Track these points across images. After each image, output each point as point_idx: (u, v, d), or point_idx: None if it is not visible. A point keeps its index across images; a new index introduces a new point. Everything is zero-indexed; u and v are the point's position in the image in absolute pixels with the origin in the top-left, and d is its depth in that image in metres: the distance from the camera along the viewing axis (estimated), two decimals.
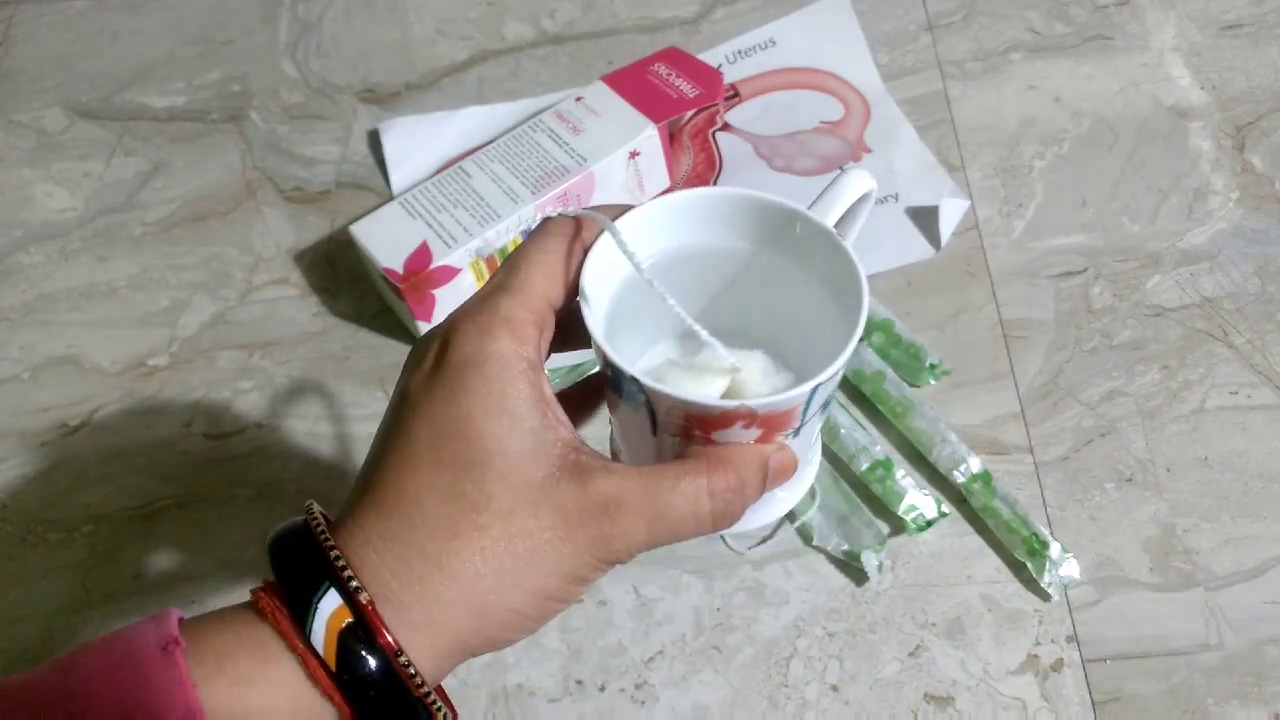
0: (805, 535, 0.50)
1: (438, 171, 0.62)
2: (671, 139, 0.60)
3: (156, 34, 0.73)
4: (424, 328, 0.56)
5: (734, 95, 0.65)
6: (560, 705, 0.47)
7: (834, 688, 0.47)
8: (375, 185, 0.64)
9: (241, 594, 0.28)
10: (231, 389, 0.57)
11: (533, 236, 0.29)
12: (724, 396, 0.29)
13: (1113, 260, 0.57)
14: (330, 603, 0.25)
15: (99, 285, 0.62)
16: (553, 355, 0.31)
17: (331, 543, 0.27)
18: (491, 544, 0.26)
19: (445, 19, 0.71)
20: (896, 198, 0.59)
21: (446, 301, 0.55)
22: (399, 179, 0.64)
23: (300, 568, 0.26)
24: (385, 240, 0.55)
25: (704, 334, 0.29)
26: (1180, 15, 0.65)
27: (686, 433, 0.29)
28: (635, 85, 0.60)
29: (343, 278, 0.61)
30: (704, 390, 0.29)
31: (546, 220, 0.30)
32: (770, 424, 0.29)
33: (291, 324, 0.59)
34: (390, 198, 0.63)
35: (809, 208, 0.31)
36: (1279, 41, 0.64)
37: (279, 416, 0.56)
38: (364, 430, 0.55)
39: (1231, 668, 0.45)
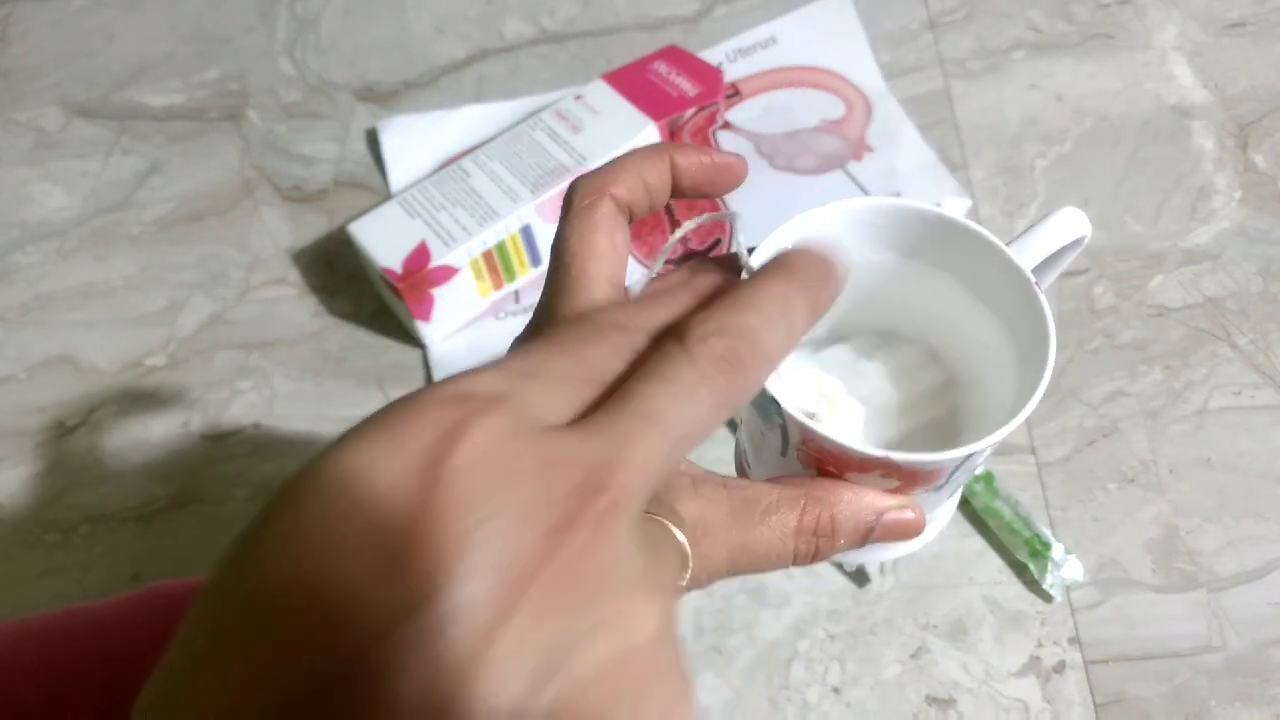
0: None
1: (436, 170, 0.61)
2: (672, 137, 0.59)
3: (154, 32, 0.72)
4: (422, 327, 0.55)
5: (734, 94, 0.65)
6: None
7: (835, 690, 0.46)
8: (374, 184, 0.64)
9: None
10: (229, 389, 0.57)
11: (568, 224, 0.26)
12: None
13: (1115, 260, 0.57)
14: None
15: (96, 285, 0.62)
16: None
17: None
18: None
19: (444, 17, 0.71)
20: (898, 197, 0.59)
21: (445, 301, 0.55)
22: (397, 178, 0.64)
23: None
24: (384, 239, 0.55)
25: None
26: (1183, 14, 0.65)
27: (819, 466, 0.27)
28: (635, 83, 0.60)
29: (341, 277, 0.60)
30: (797, 400, 0.27)
31: (574, 204, 0.26)
32: (912, 479, 0.27)
33: (289, 324, 0.59)
34: (389, 197, 0.62)
35: (1010, 243, 0.29)
36: None
37: (276, 417, 0.56)
38: None
39: (1234, 669, 0.45)
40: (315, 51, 0.70)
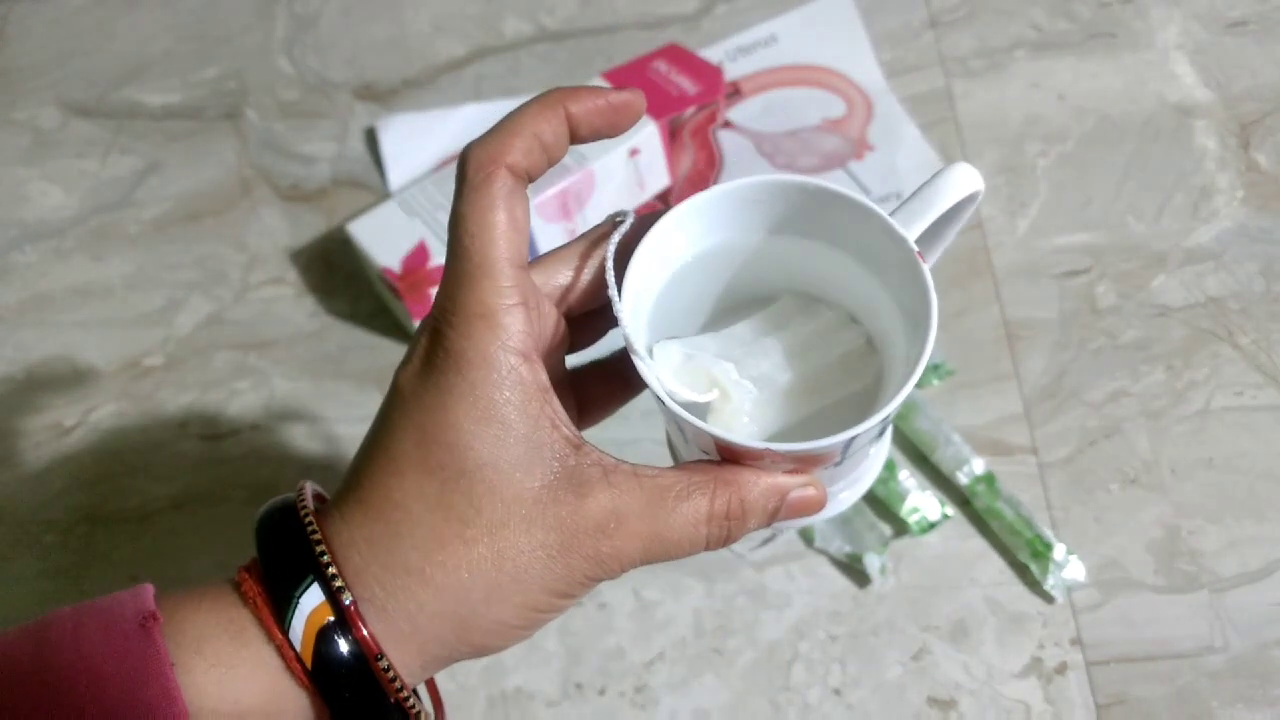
0: (807, 537, 0.49)
1: (435, 169, 0.61)
2: (672, 136, 0.59)
3: (152, 31, 0.72)
4: None
5: (735, 92, 0.65)
6: (559, 709, 0.47)
7: (836, 691, 0.46)
8: (372, 183, 0.64)
9: None
10: (227, 389, 0.57)
11: (464, 202, 0.26)
12: (711, 412, 0.28)
13: (1117, 259, 0.56)
14: (312, 599, 0.25)
15: (94, 284, 0.61)
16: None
17: (319, 535, 0.26)
18: (479, 559, 0.25)
19: (443, 15, 0.71)
20: (899, 196, 0.59)
21: None
22: (396, 177, 0.63)
23: (285, 556, 0.26)
24: (383, 239, 0.54)
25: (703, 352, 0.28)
26: (1185, 13, 0.65)
27: (718, 451, 0.28)
28: (635, 82, 0.59)
29: (339, 277, 0.60)
30: (687, 393, 0.27)
31: (468, 178, 0.26)
32: (803, 462, 0.27)
33: (288, 324, 0.59)
34: (387, 196, 0.62)
35: (899, 207, 0.28)
36: None
37: (275, 417, 0.56)
38: (360, 431, 0.54)
39: (1237, 671, 0.45)
40: (314, 50, 0.70)
